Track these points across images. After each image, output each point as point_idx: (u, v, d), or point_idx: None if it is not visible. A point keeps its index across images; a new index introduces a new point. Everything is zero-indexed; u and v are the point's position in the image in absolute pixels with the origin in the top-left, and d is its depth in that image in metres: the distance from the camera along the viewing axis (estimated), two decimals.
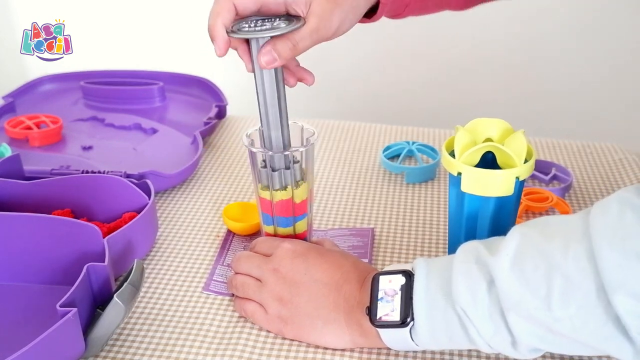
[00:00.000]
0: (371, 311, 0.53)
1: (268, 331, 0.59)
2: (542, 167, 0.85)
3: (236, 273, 0.62)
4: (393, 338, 0.54)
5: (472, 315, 0.48)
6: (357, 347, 0.57)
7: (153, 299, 0.64)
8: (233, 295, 0.64)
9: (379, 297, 0.53)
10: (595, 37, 1.48)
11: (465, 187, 0.60)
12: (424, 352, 0.57)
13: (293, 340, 0.58)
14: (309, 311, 0.57)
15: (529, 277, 0.46)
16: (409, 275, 0.53)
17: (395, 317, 0.52)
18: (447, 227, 0.69)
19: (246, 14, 0.58)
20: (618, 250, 0.43)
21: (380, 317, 0.52)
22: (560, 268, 0.45)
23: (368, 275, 0.57)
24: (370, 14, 0.66)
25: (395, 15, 0.69)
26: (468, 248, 0.51)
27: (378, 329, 0.54)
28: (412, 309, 0.51)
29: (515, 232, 0.49)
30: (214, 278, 0.67)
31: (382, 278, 0.54)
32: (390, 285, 0.53)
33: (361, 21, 0.65)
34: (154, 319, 0.61)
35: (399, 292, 0.52)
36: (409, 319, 0.51)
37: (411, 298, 0.51)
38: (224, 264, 0.69)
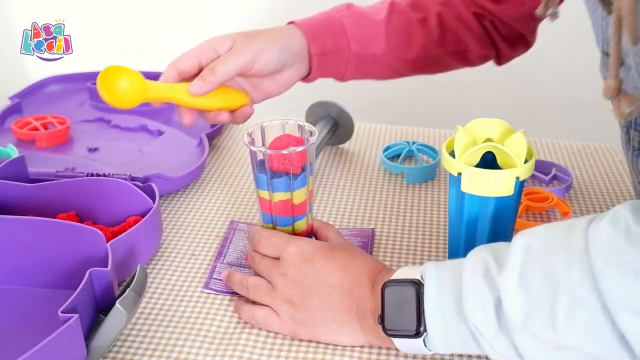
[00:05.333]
0: (383, 320, 0.53)
1: (270, 331, 0.59)
2: (542, 167, 0.85)
3: (252, 268, 0.62)
4: (406, 345, 0.54)
5: (484, 332, 0.49)
6: (372, 344, 0.57)
7: (153, 298, 0.64)
8: (233, 294, 0.64)
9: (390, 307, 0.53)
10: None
11: (465, 187, 0.60)
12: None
13: (302, 340, 0.58)
14: (323, 314, 0.57)
15: (535, 295, 0.46)
16: (418, 285, 0.52)
17: (409, 327, 0.52)
18: (448, 227, 0.69)
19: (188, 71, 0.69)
20: (615, 267, 0.43)
21: (394, 327, 0.52)
22: (564, 285, 0.45)
23: (378, 277, 0.57)
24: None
25: (339, 78, 0.81)
26: (476, 257, 0.51)
27: (392, 338, 0.54)
28: (424, 319, 0.51)
29: (519, 244, 0.49)
30: (213, 276, 0.67)
31: (391, 287, 0.53)
32: (400, 296, 0.53)
33: (302, 80, 0.78)
34: (154, 319, 0.61)
35: (410, 303, 0.52)
36: (421, 329, 0.51)
37: (422, 308, 0.51)
38: (224, 262, 0.69)
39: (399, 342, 0.54)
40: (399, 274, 0.55)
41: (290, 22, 0.77)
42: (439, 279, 0.52)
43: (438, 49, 0.82)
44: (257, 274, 0.62)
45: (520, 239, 0.49)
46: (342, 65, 0.79)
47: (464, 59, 0.85)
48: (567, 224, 0.49)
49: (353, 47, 0.77)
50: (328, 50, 0.76)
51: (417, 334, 0.51)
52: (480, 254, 0.51)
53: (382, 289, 0.54)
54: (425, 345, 0.53)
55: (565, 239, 0.47)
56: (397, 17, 0.80)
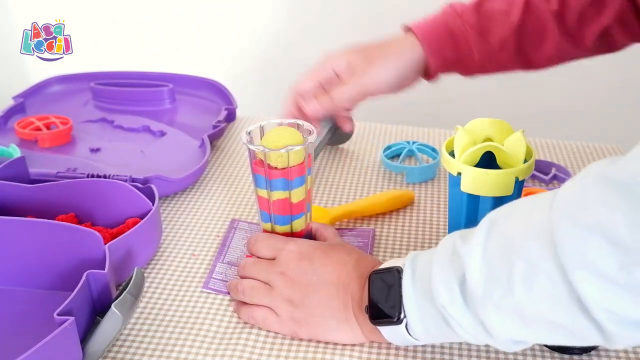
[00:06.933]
0: (370, 309, 0.54)
1: (270, 332, 0.59)
2: (542, 167, 0.85)
3: (242, 277, 0.62)
4: (393, 334, 0.54)
5: (451, 311, 0.49)
6: (371, 341, 0.58)
7: (153, 298, 0.64)
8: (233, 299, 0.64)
9: (375, 295, 0.54)
10: None
11: (465, 187, 0.60)
12: (424, 348, 0.57)
13: (302, 340, 0.59)
14: (322, 311, 0.57)
15: (494, 264, 0.46)
16: (399, 272, 0.53)
17: (391, 315, 0.52)
18: (447, 227, 0.69)
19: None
20: (575, 222, 0.41)
21: (378, 315, 0.53)
22: (522, 251, 0.44)
23: (370, 272, 0.57)
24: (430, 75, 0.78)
25: (465, 75, 0.80)
26: (447, 240, 0.51)
27: (378, 327, 0.54)
28: (403, 305, 0.52)
29: (487, 217, 0.48)
30: (213, 276, 0.67)
31: (376, 276, 0.54)
32: (384, 284, 0.53)
33: (425, 78, 0.78)
34: (154, 319, 0.61)
35: (393, 290, 0.52)
36: (402, 316, 0.52)
37: (402, 294, 0.52)
38: (224, 261, 0.69)
39: (385, 332, 0.54)
40: (386, 264, 0.55)
41: (408, 28, 0.76)
42: (415, 264, 0.52)
43: (574, 48, 0.75)
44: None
45: (491, 214, 0.49)
46: (465, 70, 0.79)
47: (607, 49, 0.76)
48: (539, 195, 0.47)
49: (477, 56, 0.75)
50: (449, 61, 0.76)
51: (399, 320, 0.52)
52: (452, 236, 0.51)
53: (369, 279, 0.55)
54: (410, 334, 0.53)
55: (531, 206, 0.46)
56: (531, 15, 0.74)
